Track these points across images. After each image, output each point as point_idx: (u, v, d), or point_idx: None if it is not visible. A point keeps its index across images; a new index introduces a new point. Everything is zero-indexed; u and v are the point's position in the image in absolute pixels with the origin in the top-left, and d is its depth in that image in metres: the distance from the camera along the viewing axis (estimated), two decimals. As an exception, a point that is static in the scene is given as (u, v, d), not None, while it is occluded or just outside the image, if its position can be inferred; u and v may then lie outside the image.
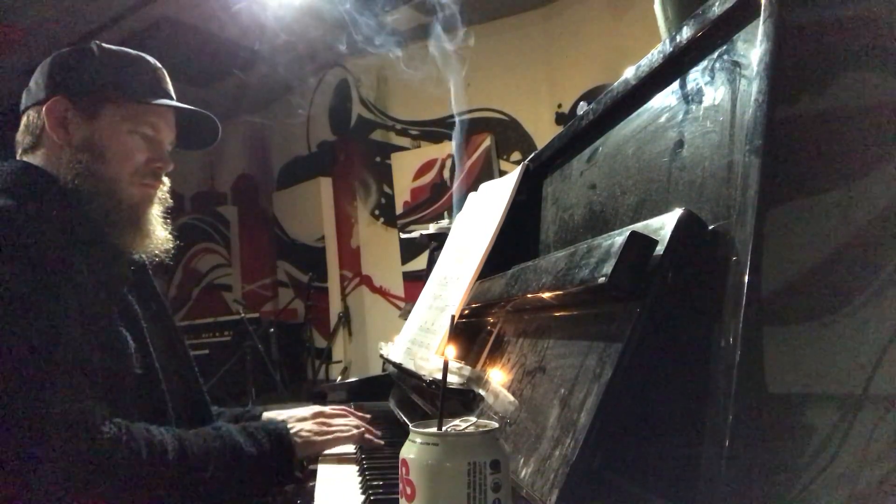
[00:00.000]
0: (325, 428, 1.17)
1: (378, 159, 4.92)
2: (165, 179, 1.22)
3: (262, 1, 3.66)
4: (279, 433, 1.09)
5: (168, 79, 1.23)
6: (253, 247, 5.67)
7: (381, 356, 1.62)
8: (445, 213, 3.28)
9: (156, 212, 1.20)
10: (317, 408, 1.26)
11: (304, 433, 1.13)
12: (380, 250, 4.85)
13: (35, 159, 1.14)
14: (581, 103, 1.02)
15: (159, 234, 1.20)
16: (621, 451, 0.51)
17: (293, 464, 1.09)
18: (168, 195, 1.24)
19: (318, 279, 5.02)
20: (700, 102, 0.63)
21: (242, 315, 4.29)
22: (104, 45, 1.18)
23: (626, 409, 0.52)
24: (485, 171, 4.29)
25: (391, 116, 4.89)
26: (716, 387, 0.47)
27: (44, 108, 1.12)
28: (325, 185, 5.11)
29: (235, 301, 4.76)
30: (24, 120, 1.17)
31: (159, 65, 1.22)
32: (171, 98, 1.21)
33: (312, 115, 5.31)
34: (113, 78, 1.14)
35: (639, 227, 0.58)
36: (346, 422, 1.22)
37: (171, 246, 1.22)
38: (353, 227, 5.04)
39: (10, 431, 0.86)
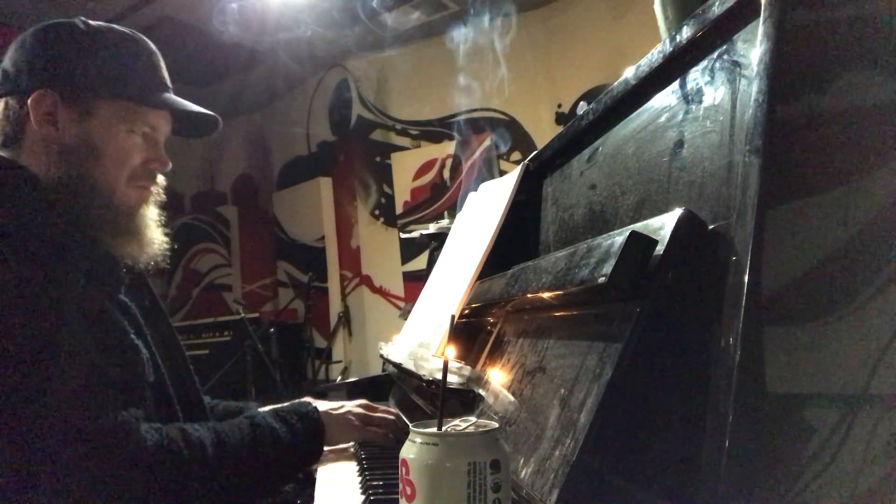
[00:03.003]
0: (369, 413, 1.18)
1: (378, 159, 4.92)
2: (161, 179, 1.14)
3: (262, 1, 3.67)
4: (310, 415, 1.09)
5: (163, 63, 1.12)
6: (253, 247, 5.68)
7: (381, 356, 1.62)
8: (445, 213, 3.28)
9: (151, 213, 1.12)
10: (364, 401, 1.25)
11: (350, 416, 1.14)
12: (380, 250, 4.85)
13: (14, 154, 1.03)
14: (581, 103, 1.02)
15: (155, 237, 1.12)
16: (621, 451, 0.51)
17: (322, 444, 1.09)
18: (162, 192, 1.15)
19: (318, 279, 5.02)
20: (700, 102, 0.63)
21: (242, 315, 4.29)
22: (91, 22, 1.06)
23: (626, 409, 0.52)
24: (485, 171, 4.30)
25: (391, 116, 4.89)
26: (716, 387, 0.47)
27: (29, 101, 1.01)
28: (325, 185, 5.12)
29: (235, 301, 4.76)
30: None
31: (153, 47, 1.11)
32: (169, 87, 1.12)
33: (312, 115, 5.32)
34: (106, 71, 1.04)
35: (639, 226, 0.58)
36: (387, 413, 1.23)
37: (167, 248, 1.14)
38: (353, 227, 5.04)
39: (52, 453, 0.81)
